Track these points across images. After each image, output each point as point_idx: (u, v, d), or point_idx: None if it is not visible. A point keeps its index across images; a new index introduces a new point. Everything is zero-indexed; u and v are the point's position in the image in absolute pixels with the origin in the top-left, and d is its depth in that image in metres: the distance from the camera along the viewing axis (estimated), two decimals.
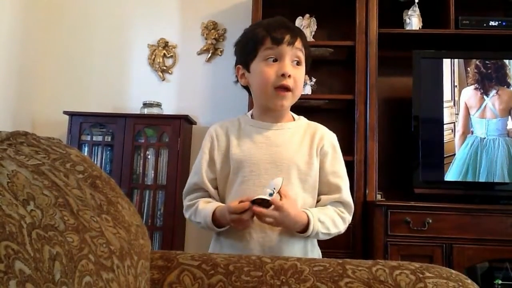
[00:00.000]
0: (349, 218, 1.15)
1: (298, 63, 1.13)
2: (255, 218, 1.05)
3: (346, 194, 1.15)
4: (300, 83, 1.14)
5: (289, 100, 1.14)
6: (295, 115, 1.23)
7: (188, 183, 1.20)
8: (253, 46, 1.12)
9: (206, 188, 1.16)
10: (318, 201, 1.15)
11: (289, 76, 1.09)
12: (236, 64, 1.21)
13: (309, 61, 1.18)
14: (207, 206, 1.12)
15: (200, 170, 1.17)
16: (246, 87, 1.22)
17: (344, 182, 1.16)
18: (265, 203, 1.01)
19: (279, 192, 1.03)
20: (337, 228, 1.11)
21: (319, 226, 1.07)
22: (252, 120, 1.20)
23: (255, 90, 1.17)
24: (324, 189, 1.15)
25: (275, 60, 1.10)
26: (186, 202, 1.19)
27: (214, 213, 1.10)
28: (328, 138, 1.18)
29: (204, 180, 1.16)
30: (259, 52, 1.11)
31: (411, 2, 2.49)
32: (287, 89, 1.10)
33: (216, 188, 1.18)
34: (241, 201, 1.03)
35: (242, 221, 1.04)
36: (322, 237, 1.11)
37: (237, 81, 1.23)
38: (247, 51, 1.15)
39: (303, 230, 1.07)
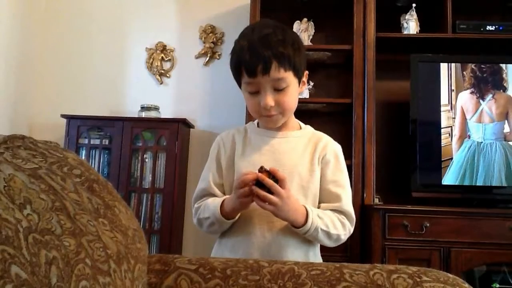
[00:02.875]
0: (349, 226, 1.12)
1: (281, 87, 1.08)
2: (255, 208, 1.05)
3: (346, 204, 1.13)
4: (288, 103, 1.11)
5: (280, 120, 1.14)
6: (302, 124, 1.23)
7: (196, 189, 1.21)
8: (235, 76, 1.13)
9: (213, 193, 1.17)
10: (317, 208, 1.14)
11: (271, 106, 1.08)
12: None
13: (301, 67, 1.12)
14: (215, 200, 1.13)
15: (207, 176, 1.19)
16: None
17: (345, 192, 1.14)
18: (270, 176, 1.01)
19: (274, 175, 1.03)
20: (337, 230, 1.09)
21: (318, 221, 1.06)
22: (258, 128, 1.21)
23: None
24: (324, 197, 1.14)
25: (257, 91, 1.09)
26: (195, 206, 1.20)
27: (222, 204, 1.09)
28: (331, 147, 1.18)
29: (211, 185, 1.17)
30: (241, 82, 1.12)
31: (409, 6, 2.50)
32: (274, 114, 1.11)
33: (224, 193, 1.19)
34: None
35: (245, 189, 1.03)
36: (321, 238, 1.08)
37: None
38: (233, 76, 1.14)
39: (301, 225, 1.05)
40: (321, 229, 1.06)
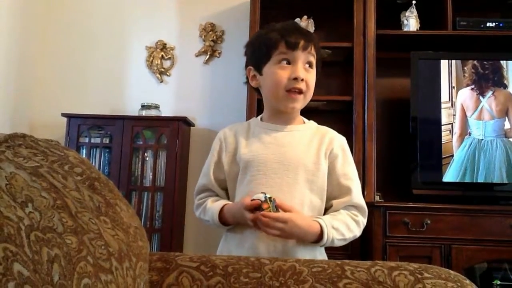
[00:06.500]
0: (363, 221, 1.14)
1: (310, 67, 1.14)
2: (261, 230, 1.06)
3: (357, 196, 1.14)
4: (312, 86, 1.15)
5: (301, 102, 1.15)
6: (305, 119, 1.24)
7: (198, 183, 1.24)
8: (267, 50, 1.14)
9: (213, 189, 1.20)
10: (330, 206, 1.15)
11: (302, 79, 1.11)
12: (246, 65, 1.23)
13: (320, 64, 1.19)
14: (214, 205, 1.15)
15: (208, 171, 1.20)
16: (257, 89, 1.23)
17: (354, 184, 1.15)
18: (262, 204, 1.03)
19: (281, 208, 1.04)
20: (352, 233, 1.11)
21: (334, 233, 1.07)
22: (262, 122, 1.22)
23: (267, 92, 1.18)
24: (335, 192, 1.15)
25: (288, 63, 1.12)
26: (196, 201, 1.23)
27: (221, 212, 1.12)
28: (338, 141, 1.18)
29: (212, 182, 1.19)
30: (272, 56, 1.13)
31: (409, 3, 2.49)
32: (299, 92, 1.12)
33: (224, 189, 1.20)
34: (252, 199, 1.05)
35: (260, 219, 1.04)
36: (337, 244, 1.10)
37: (247, 81, 1.25)
38: (260, 54, 1.16)
39: (317, 239, 1.07)
40: (337, 239, 1.08)
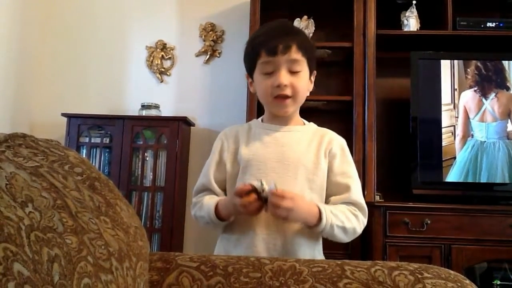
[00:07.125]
0: (363, 219, 1.12)
1: (296, 68, 1.12)
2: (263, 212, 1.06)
3: (356, 194, 1.13)
4: (300, 88, 1.13)
5: (291, 106, 1.15)
6: (305, 121, 1.25)
7: (197, 183, 1.24)
8: (251, 58, 1.15)
9: (212, 189, 1.20)
10: (327, 203, 1.14)
11: (285, 85, 1.10)
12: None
13: (313, 62, 1.18)
14: (210, 200, 1.15)
15: (208, 172, 1.20)
16: None
17: (353, 182, 1.15)
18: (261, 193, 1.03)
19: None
20: (351, 223, 1.09)
21: (333, 218, 1.06)
22: (262, 123, 1.23)
23: (259, 98, 1.20)
24: (334, 190, 1.15)
25: (272, 72, 1.12)
26: (193, 200, 1.23)
27: (217, 206, 1.12)
28: (337, 141, 1.19)
29: (211, 182, 1.19)
30: (257, 64, 1.14)
31: (409, 3, 2.49)
32: (286, 96, 1.12)
33: (223, 189, 1.21)
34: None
35: (250, 204, 1.03)
36: (337, 234, 1.08)
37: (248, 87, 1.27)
38: (248, 62, 1.18)
39: (316, 224, 1.06)
40: (336, 225, 1.07)
